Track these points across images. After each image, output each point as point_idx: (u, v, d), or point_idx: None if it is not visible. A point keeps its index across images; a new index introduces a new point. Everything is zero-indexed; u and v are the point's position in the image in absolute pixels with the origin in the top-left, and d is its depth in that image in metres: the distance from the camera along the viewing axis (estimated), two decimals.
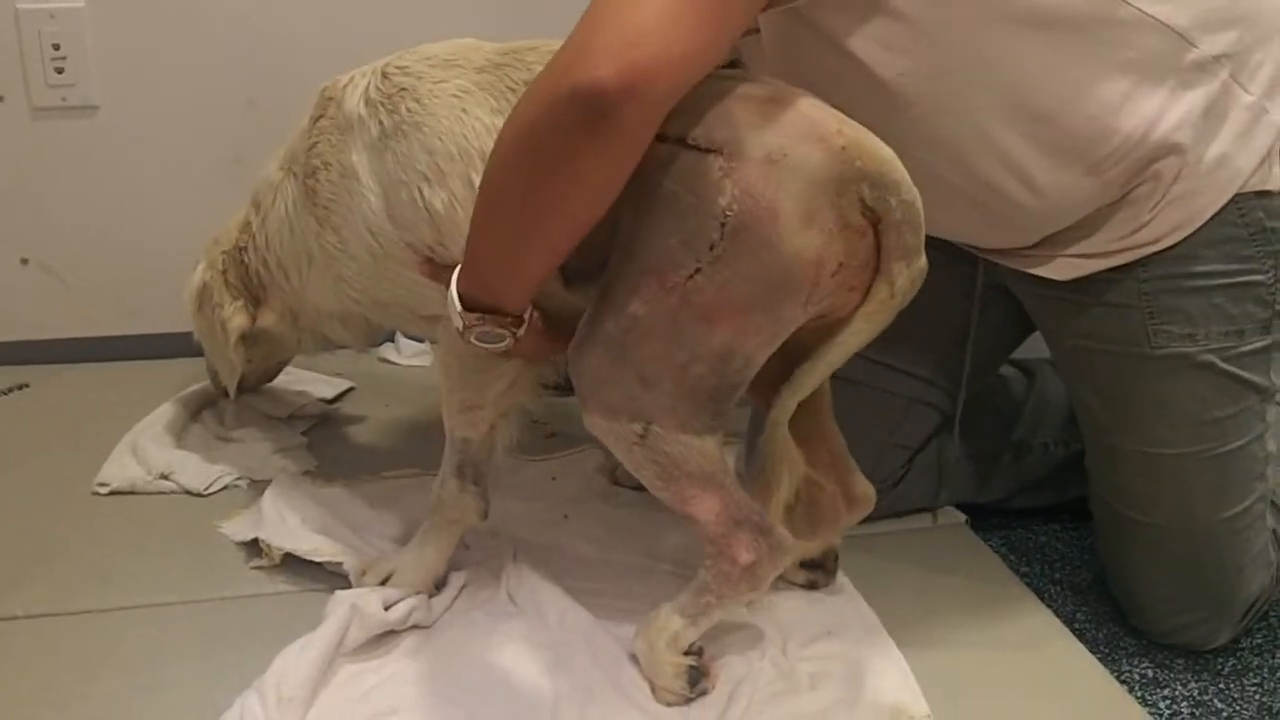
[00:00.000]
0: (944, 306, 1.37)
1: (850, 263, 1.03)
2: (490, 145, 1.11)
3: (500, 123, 1.12)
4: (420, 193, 1.16)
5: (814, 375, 1.09)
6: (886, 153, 1.03)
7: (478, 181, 1.11)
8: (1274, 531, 1.30)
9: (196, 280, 1.45)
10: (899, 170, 1.03)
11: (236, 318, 1.40)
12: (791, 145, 1.00)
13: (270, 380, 1.70)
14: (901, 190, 1.03)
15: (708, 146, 1.00)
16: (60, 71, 1.82)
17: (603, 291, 1.06)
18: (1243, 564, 1.26)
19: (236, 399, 1.67)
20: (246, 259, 1.39)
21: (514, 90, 1.15)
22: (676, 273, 1.01)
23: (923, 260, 1.06)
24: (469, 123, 1.15)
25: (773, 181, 0.99)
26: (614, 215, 1.03)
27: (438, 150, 1.15)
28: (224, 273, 1.41)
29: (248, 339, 1.44)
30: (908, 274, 1.05)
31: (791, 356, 1.09)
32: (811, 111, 1.03)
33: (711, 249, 1.00)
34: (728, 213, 0.99)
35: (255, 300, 1.41)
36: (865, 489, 1.22)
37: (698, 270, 1.00)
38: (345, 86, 1.25)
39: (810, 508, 1.22)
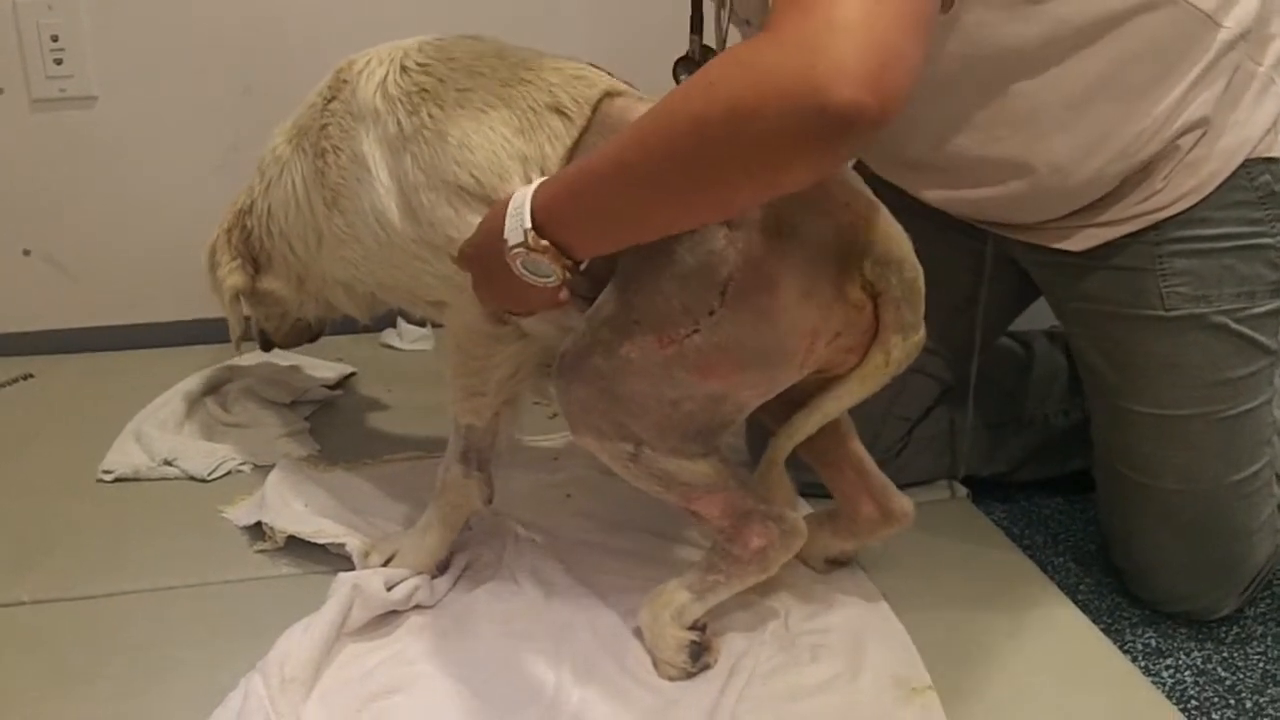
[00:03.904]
0: (947, 278, 1.37)
1: (847, 332, 1.04)
2: (513, 168, 1.11)
3: (522, 144, 1.13)
4: (440, 202, 1.16)
5: (809, 424, 1.10)
6: (893, 229, 1.03)
7: (503, 195, 1.10)
8: None
9: (210, 239, 1.44)
10: (903, 248, 1.03)
11: (232, 277, 1.40)
12: (797, 217, 1.00)
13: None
14: (904, 268, 1.03)
15: None
16: (59, 63, 1.82)
17: (591, 325, 1.06)
18: (1250, 530, 1.26)
19: (240, 381, 1.68)
20: (248, 223, 1.39)
21: (534, 111, 1.14)
22: (674, 331, 1.01)
23: (920, 334, 1.06)
24: (494, 139, 1.14)
25: (775, 254, 1.00)
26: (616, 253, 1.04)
27: (466, 162, 1.14)
28: (229, 231, 1.41)
29: (249, 298, 1.43)
30: (903, 347, 1.05)
31: (790, 395, 1.09)
32: (822, 180, 1.02)
33: (711, 314, 1.00)
34: (729, 282, 1.00)
35: (256, 262, 1.41)
36: (903, 504, 1.22)
37: (695, 331, 1.01)
38: (361, 71, 1.22)
39: (850, 523, 1.24)
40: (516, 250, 0.99)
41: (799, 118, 0.81)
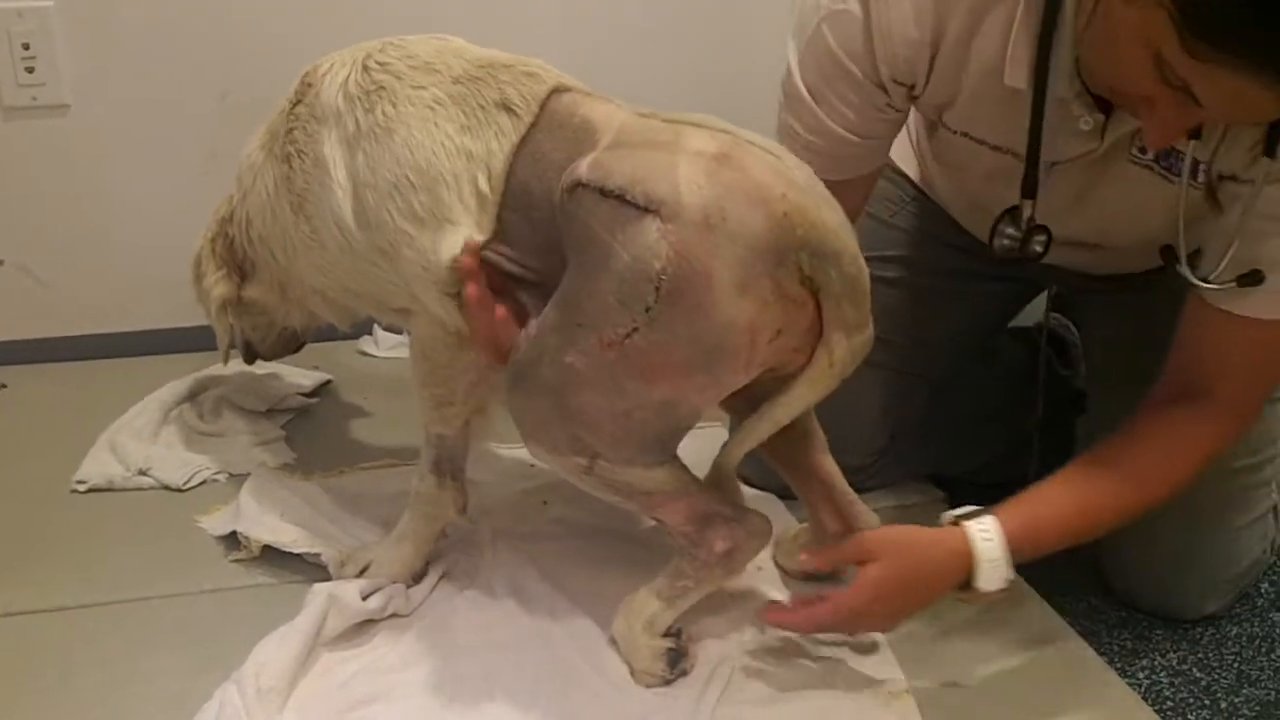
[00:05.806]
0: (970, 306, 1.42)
1: (790, 330, 1.01)
2: (459, 167, 1.11)
3: (468, 141, 1.12)
4: (382, 201, 1.15)
5: (759, 430, 1.08)
6: (832, 221, 1.00)
7: (440, 193, 1.11)
8: (1275, 507, 1.31)
9: (195, 249, 1.44)
10: (842, 240, 1.00)
11: (218, 287, 1.39)
12: (731, 209, 0.97)
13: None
14: (843, 261, 1.00)
15: (645, 205, 0.98)
16: (30, 71, 1.81)
17: (538, 333, 1.05)
18: (1240, 525, 1.27)
19: (215, 390, 1.67)
20: (230, 231, 1.38)
21: (483, 109, 1.14)
22: (614, 331, 0.99)
23: (867, 334, 1.04)
24: (438, 137, 1.13)
25: (709, 247, 0.96)
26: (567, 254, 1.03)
27: (405, 161, 1.14)
28: (213, 241, 1.40)
29: (234, 307, 1.42)
30: (847, 345, 1.02)
31: (752, 390, 1.07)
32: (759, 173, 1.00)
33: (647, 310, 0.97)
34: (662, 276, 0.96)
35: (241, 271, 1.40)
36: (869, 524, 1.21)
37: (634, 330, 0.98)
38: (325, 74, 1.22)
39: (818, 540, 1.23)
40: (993, 593, 1.10)
41: None
